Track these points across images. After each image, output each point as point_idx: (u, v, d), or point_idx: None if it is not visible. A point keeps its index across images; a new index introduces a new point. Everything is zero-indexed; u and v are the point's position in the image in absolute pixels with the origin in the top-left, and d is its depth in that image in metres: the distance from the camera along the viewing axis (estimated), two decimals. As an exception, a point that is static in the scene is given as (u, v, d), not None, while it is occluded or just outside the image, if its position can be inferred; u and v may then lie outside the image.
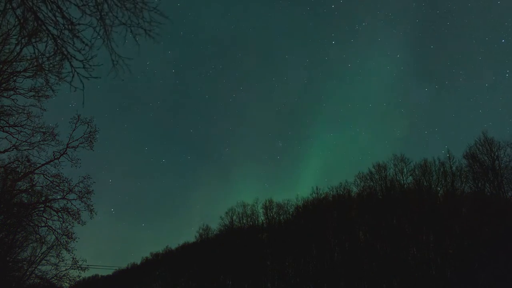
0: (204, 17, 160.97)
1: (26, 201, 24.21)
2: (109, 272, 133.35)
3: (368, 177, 63.40)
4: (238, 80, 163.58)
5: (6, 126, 19.60)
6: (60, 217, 23.32)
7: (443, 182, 55.76)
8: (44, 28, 4.61)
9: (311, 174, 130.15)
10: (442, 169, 55.83)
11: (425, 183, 56.93)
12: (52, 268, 28.85)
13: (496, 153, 49.21)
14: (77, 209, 23.30)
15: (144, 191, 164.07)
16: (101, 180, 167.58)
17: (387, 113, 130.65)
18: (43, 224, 23.97)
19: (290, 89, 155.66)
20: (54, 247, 27.66)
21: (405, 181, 59.97)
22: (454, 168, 54.77)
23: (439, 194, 56.23)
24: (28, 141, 20.53)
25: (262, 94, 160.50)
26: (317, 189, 73.79)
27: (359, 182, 64.93)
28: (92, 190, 23.67)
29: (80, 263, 27.22)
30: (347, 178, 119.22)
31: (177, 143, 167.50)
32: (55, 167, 22.37)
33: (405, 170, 60.00)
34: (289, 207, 78.33)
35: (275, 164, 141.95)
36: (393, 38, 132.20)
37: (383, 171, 61.89)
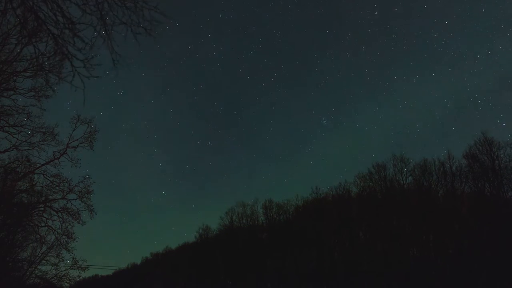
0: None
1: (26, 201, 24.14)
2: (109, 272, 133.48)
3: (367, 177, 63.41)
4: (279, 60, 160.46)
5: (6, 126, 19.57)
6: (60, 217, 23.32)
7: (443, 182, 55.74)
8: (45, 27, 4.61)
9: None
10: (442, 169, 55.81)
11: (425, 183, 56.89)
12: (52, 268, 28.84)
13: (496, 153, 49.20)
14: (77, 209, 23.32)
15: (192, 173, 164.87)
16: (151, 164, 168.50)
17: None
18: (43, 224, 23.97)
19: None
20: (54, 247, 27.63)
21: (405, 181, 59.97)
22: (454, 168, 54.80)
23: (439, 194, 56.21)
24: (28, 141, 20.49)
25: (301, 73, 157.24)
26: (317, 189, 73.66)
27: (359, 182, 64.97)
28: (92, 190, 23.65)
29: (80, 263, 27.28)
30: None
31: (222, 125, 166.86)
32: (55, 167, 22.35)
33: (404, 170, 60.04)
34: (289, 207, 78.51)
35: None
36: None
37: (382, 171, 61.87)
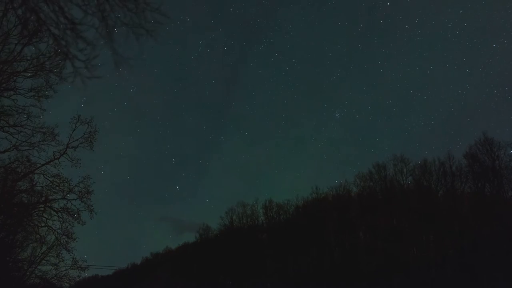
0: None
1: (26, 201, 24.12)
2: (109, 272, 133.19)
3: (368, 177, 63.46)
4: (290, 53, 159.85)
5: (6, 126, 19.55)
6: (60, 217, 23.29)
7: (443, 182, 55.74)
8: (45, 28, 4.59)
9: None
10: (442, 169, 55.82)
11: (425, 183, 56.90)
12: (52, 268, 28.77)
13: (496, 153, 49.22)
14: (77, 209, 23.28)
15: (205, 168, 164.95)
16: (164, 159, 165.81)
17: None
18: (43, 224, 23.94)
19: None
20: (54, 247, 27.58)
21: (405, 181, 60.02)
22: (454, 168, 54.80)
23: (439, 194, 56.21)
24: (28, 141, 20.43)
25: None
26: (317, 189, 73.67)
27: (359, 182, 65.01)
28: (92, 190, 23.59)
29: (80, 263, 27.27)
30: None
31: (233, 121, 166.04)
32: (55, 167, 22.30)
33: (405, 170, 60.05)
34: (289, 207, 78.51)
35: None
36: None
37: (382, 171, 61.93)
